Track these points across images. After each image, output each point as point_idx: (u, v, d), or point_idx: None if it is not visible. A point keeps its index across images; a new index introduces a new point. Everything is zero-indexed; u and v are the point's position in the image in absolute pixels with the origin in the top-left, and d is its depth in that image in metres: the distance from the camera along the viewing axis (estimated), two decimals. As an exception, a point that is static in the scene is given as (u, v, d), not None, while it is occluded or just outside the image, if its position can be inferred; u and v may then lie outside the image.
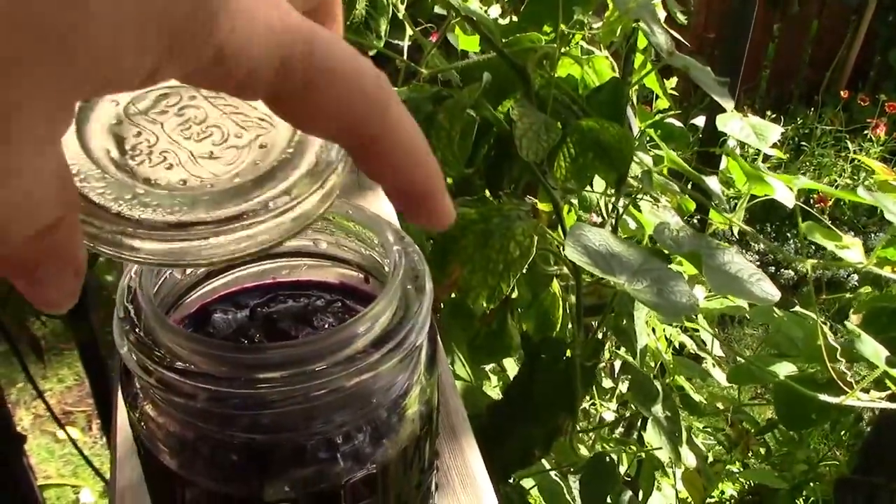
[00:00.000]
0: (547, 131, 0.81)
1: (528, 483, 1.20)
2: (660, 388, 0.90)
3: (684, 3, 1.24)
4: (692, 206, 1.15)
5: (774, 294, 0.84)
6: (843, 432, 1.31)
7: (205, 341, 0.29)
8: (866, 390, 0.93)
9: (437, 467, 0.37)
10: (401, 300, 0.31)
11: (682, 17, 1.21)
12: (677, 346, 1.57)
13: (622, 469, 1.49)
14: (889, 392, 0.93)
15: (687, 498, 1.61)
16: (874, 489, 1.12)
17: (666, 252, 0.84)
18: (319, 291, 0.38)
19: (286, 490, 0.30)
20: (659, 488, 1.64)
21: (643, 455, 1.22)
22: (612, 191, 1.07)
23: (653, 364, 1.49)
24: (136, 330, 0.30)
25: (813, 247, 3.18)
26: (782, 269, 3.33)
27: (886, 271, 1.04)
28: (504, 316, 1.16)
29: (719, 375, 1.60)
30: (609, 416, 1.73)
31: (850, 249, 0.95)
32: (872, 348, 0.86)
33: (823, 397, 0.91)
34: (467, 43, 1.21)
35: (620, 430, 1.69)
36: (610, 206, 1.07)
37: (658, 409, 0.89)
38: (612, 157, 0.88)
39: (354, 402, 0.30)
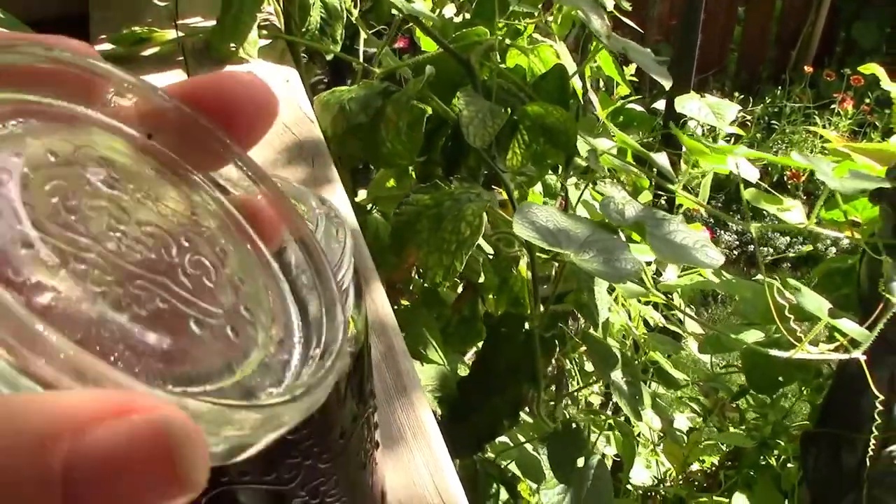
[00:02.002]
0: (493, 118, 0.86)
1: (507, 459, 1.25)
2: (619, 354, 0.95)
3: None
4: (646, 183, 1.20)
5: (718, 259, 0.89)
6: (803, 389, 1.36)
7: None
8: (815, 343, 0.98)
9: (374, 406, 0.42)
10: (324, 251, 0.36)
11: (626, 4, 1.26)
12: (653, 324, 1.63)
13: (612, 451, 1.54)
14: (837, 343, 0.99)
15: (669, 470, 1.66)
16: (837, 441, 1.17)
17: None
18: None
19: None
20: (648, 466, 1.69)
21: (612, 423, 1.27)
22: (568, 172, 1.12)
23: (628, 342, 1.55)
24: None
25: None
26: (760, 248, 3.40)
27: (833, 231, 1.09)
28: (475, 303, 1.21)
29: (696, 349, 1.66)
30: (594, 402, 1.78)
31: (792, 212, 1.00)
32: (814, 302, 0.91)
33: (775, 353, 0.96)
34: (429, 43, 1.26)
35: (609, 412, 1.74)
36: (568, 187, 1.12)
37: (618, 374, 0.94)
38: (558, 139, 0.93)
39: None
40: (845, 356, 0.96)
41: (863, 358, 0.96)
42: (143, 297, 0.23)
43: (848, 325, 0.91)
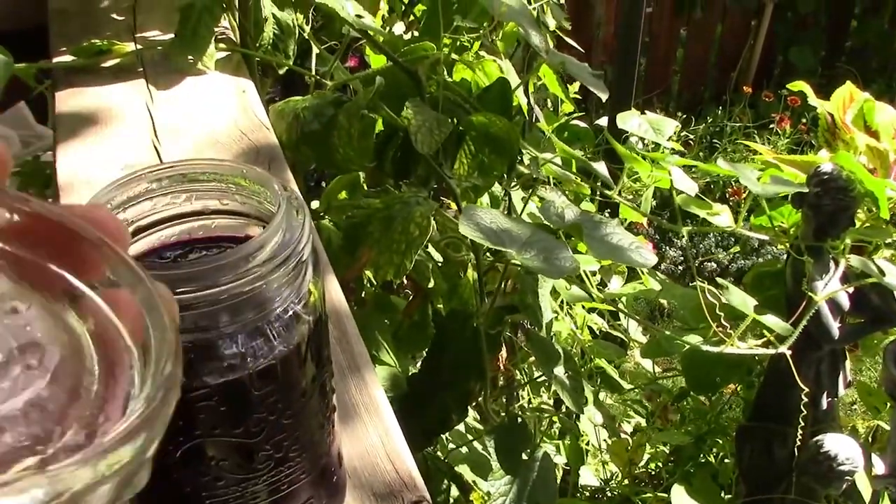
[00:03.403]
0: (439, 126, 0.91)
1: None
2: (561, 350, 1.00)
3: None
4: (587, 191, 1.26)
5: (651, 259, 0.95)
6: (738, 388, 1.43)
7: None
8: (744, 340, 1.05)
9: (331, 372, 0.46)
10: (286, 230, 0.40)
11: (566, 24, 1.33)
12: (598, 332, 1.69)
13: (562, 460, 1.60)
14: (765, 339, 1.05)
15: (616, 474, 1.72)
16: (769, 434, 1.23)
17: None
18: (229, 242, 0.47)
19: (204, 381, 0.39)
20: (597, 472, 1.75)
21: (557, 419, 1.32)
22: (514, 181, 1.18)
23: (575, 349, 1.60)
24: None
25: (732, 238, 3.37)
26: (705, 263, 3.51)
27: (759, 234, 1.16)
28: (425, 308, 1.26)
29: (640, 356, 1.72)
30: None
31: (721, 216, 1.06)
32: (740, 298, 0.97)
33: (707, 348, 1.02)
34: (379, 61, 1.31)
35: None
36: (511, 193, 1.17)
37: (560, 369, 1.00)
38: (501, 146, 0.98)
39: (254, 305, 0.39)
40: (772, 351, 1.03)
41: (789, 353, 1.03)
42: None
43: (772, 321, 0.98)
